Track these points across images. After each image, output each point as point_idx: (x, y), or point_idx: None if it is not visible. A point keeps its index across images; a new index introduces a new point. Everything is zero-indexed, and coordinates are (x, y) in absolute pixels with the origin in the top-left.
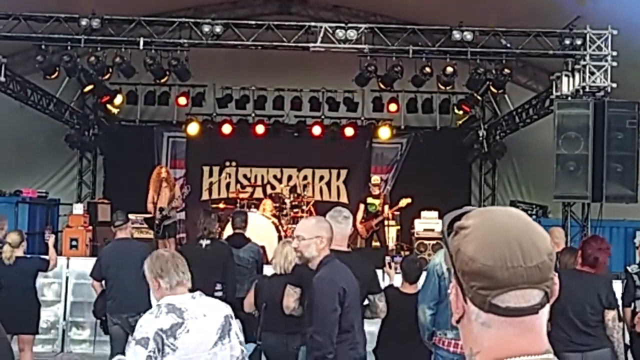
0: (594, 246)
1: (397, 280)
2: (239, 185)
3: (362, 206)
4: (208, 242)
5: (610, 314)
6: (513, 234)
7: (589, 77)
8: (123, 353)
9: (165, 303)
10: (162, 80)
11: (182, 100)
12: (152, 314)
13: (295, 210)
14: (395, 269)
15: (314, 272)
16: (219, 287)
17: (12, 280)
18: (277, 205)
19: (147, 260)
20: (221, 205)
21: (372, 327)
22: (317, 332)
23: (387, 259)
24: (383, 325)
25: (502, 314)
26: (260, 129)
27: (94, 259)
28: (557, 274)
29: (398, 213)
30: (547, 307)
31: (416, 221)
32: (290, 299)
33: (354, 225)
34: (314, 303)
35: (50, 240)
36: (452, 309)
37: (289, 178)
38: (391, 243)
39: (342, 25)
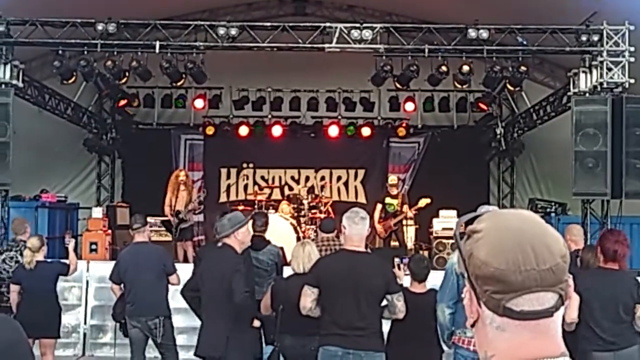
0: (611, 239)
1: (406, 282)
2: (256, 187)
3: (379, 206)
4: None
5: None
6: (525, 237)
7: (607, 73)
8: (144, 356)
9: None
10: (179, 83)
11: (199, 103)
12: None
13: (313, 211)
14: (404, 270)
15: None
16: None
17: (33, 285)
18: (295, 206)
19: None
20: (240, 207)
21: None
22: None
23: (396, 260)
24: (393, 325)
25: (517, 317)
26: (277, 130)
27: (113, 263)
28: (580, 274)
29: (416, 212)
30: (562, 310)
31: (434, 220)
32: (307, 299)
33: (372, 225)
34: None
35: (70, 244)
36: (467, 313)
37: (307, 179)
38: (410, 243)
39: (358, 25)
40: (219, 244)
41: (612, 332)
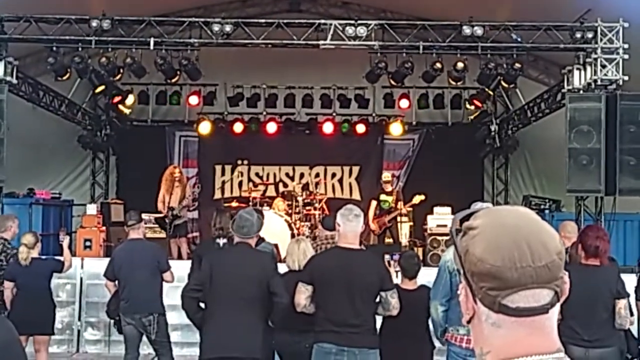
0: (591, 235)
1: (397, 279)
2: (251, 184)
3: (374, 203)
4: (225, 241)
5: (622, 303)
6: (521, 234)
7: (601, 70)
8: (138, 353)
9: None
10: (173, 80)
11: (194, 100)
12: None
13: (307, 207)
14: (395, 266)
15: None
16: None
17: (27, 282)
18: (290, 203)
19: None
20: (234, 204)
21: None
22: None
23: (387, 257)
24: (384, 321)
25: (512, 314)
26: (271, 127)
27: (108, 260)
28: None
29: (411, 209)
30: (558, 307)
31: (429, 217)
32: (302, 296)
33: (367, 222)
34: None
35: (65, 241)
36: (462, 310)
37: (301, 176)
38: (404, 239)
39: (352, 22)
40: (226, 242)
41: (590, 331)
